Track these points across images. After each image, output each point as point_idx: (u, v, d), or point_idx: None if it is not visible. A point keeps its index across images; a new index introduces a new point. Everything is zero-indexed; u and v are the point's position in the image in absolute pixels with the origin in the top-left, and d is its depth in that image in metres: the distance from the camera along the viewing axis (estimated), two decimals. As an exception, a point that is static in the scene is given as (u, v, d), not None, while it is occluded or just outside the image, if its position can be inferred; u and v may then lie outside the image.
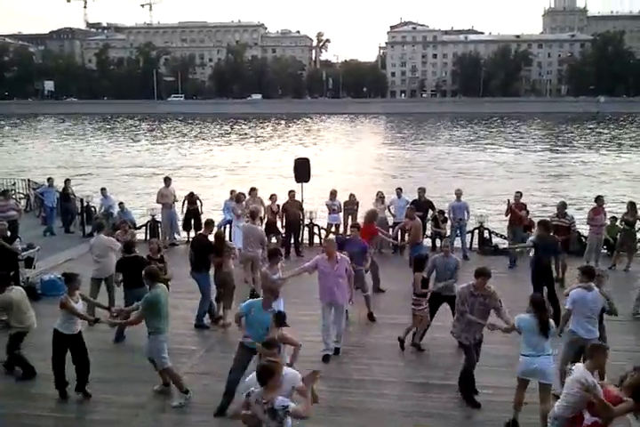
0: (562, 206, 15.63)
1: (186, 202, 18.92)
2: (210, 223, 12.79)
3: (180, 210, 18.98)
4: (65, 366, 9.01)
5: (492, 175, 42.65)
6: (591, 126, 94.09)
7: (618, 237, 16.73)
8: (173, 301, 12.63)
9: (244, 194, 17.44)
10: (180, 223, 19.29)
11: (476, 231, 18.63)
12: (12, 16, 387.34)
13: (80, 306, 9.13)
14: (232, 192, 18.31)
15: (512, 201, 16.74)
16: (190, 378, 9.75)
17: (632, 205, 16.58)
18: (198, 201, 19.07)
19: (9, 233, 13.05)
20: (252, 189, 17.72)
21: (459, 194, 17.65)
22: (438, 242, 17.44)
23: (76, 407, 8.93)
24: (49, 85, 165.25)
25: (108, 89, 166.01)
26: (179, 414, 8.69)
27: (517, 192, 17.27)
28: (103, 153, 59.87)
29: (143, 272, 9.13)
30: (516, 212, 16.45)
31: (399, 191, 18.14)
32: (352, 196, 18.90)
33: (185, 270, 15.42)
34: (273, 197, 17.43)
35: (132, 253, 11.29)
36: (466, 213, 17.60)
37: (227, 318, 11.71)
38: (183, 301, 13.14)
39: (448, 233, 17.59)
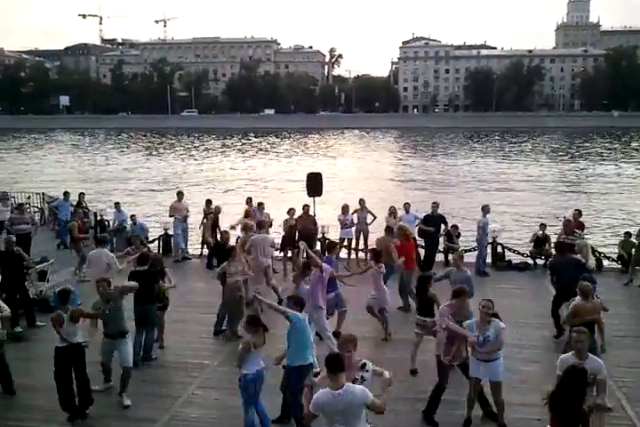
0: (569, 225, 15.45)
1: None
2: (225, 233, 13.10)
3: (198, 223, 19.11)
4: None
5: (508, 188, 42.51)
6: (608, 141, 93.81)
7: (632, 252, 16.61)
8: (184, 315, 12.73)
9: (251, 208, 17.53)
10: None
11: (490, 246, 18.51)
12: (28, 32, 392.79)
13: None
14: (249, 200, 18.62)
15: (571, 219, 16.33)
16: (202, 392, 9.77)
17: (647, 220, 16.47)
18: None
19: (16, 247, 12.98)
20: (260, 204, 17.85)
21: (487, 210, 17.56)
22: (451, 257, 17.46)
23: (86, 422, 8.90)
24: (64, 100, 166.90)
25: (122, 104, 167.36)
26: (191, 429, 8.66)
27: (576, 210, 17.02)
28: (122, 166, 60.28)
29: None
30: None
31: (407, 206, 18.02)
32: (362, 201, 18.53)
33: (196, 285, 15.55)
34: (291, 212, 17.43)
35: (145, 266, 11.07)
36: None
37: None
38: (195, 315, 13.20)
39: (461, 248, 17.59)
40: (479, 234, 17.32)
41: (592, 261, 12.70)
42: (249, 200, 18.42)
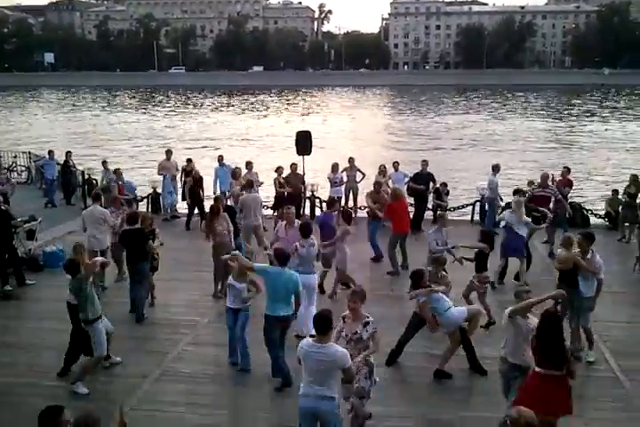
0: (544, 177, 15.51)
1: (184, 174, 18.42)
2: (218, 199, 13.03)
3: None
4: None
5: (498, 145, 42.40)
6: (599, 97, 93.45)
7: (620, 209, 16.75)
8: (173, 273, 12.76)
9: (239, 168, 17.27)
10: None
11: (478, 204, 18.58)
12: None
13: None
14: (220, 157, 18.57)
15: (558, 177, 16.34)
16: (193, 348, 9.88)
17: (635, 177, 16.57)
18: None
19: (4, 205, 12.88)
20: (248, 163, 17.57)
21: (498, 169, 17.52)
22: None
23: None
24: (49, 57, 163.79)
25: (108, 61, 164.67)
26: (186, 384, 8.73)
27: (565, 167, 17.06)
28: (109, 124, 59.68)
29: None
30: (560, 188, 15.76)
31: (396, 165, 18.06)
32: (351, 159, 18.59)
33: (186, 243, 15.56)
34: (279, 170, 17.34)
35: (135, 224, 11.11)
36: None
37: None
38: (185, 273, 13.26)
39: (449, 206, 17.92)
40: (489, 193, 17.29)
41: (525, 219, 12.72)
42: (248, 164, 17.94)
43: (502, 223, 12.72)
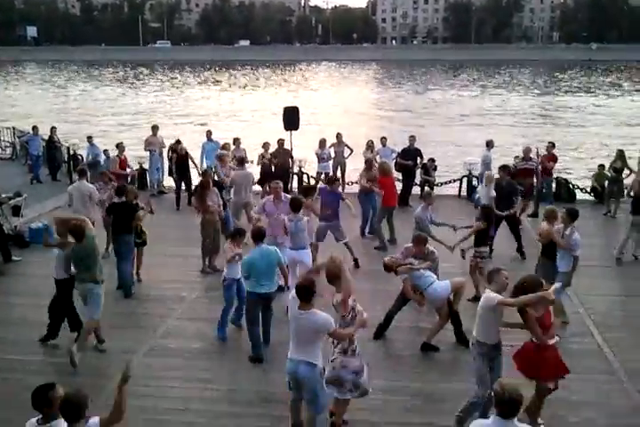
0: (527, 151, 15.60)
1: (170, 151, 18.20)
2: (205, 173, 13.20)
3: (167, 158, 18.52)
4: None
5: (487, 121, 42.34)
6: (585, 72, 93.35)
7: (606, 184, 16.85)
8: (160, 249, 12.72)
9: (228, 144, 17.21)
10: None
11: (465, 179, 18.60)
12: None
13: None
14: (208, 132, 18.72)
15: (543, 152, 16.43)
16: (180, 324, 9.90)
17: (620, 152, 16.65)
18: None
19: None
20: (236, 140, 17.55)
21: (492, 145, 17.52)
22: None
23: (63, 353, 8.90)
24: (31, 31, 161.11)
25: (92, 36, 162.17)
26: (174, 359, 8.75)
27: (550, 142, 17.08)
28: (95, 100, 58.98)
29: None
30: (545, 163, 16.05)
31: (384, 140, 18.01)
32: (339, 135, 18.48)
33: (173, 218, 15.53)
34: (266, 146, 17.27)
35: (122, 197, 11.18)
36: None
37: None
38: (172, 248, 13.23)
39: (436, 181, 17.98)
40: (483, 169, 17.25)
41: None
42: (235, 140, 17.88)
43: (476, 196, 12.81)
